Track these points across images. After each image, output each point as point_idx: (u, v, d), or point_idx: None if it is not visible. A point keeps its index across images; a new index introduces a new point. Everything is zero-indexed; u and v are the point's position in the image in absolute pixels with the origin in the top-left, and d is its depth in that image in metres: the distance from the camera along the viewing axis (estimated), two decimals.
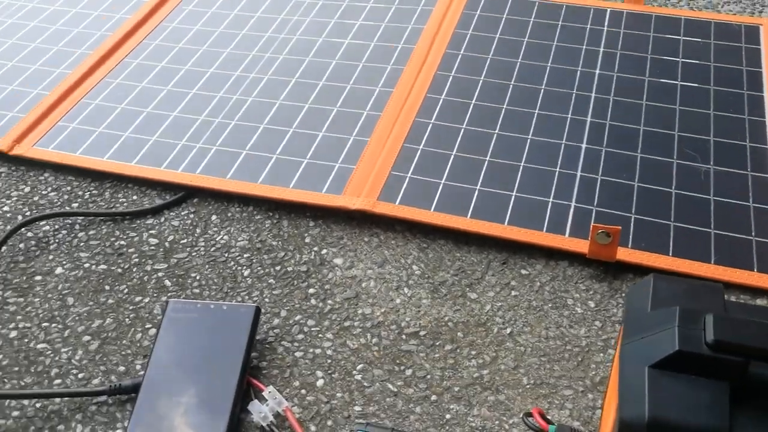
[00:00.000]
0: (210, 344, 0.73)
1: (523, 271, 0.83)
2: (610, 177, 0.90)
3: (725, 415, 0.46)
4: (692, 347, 0.48)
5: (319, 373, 0.74)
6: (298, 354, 0.75)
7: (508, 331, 0.77)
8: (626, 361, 0.50)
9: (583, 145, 0.95)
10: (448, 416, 0.70)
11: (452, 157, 0.94)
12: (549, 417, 0.67)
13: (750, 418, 0.47)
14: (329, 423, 0.70)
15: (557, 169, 0.92)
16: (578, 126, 0.98)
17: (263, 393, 0.70)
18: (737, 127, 0.97)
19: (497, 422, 0.69)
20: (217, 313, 0.75)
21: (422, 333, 0.77)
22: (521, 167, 0.92)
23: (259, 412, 0.68)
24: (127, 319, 0.79)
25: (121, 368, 0.75)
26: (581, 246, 0.82)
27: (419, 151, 0.95)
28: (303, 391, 0.72)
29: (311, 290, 0.82)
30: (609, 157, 0.93)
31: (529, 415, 0.64)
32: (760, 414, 0.47)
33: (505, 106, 1.01)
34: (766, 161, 0.92)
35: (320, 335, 0.77)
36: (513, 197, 0.88)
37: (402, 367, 0.74)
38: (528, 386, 0.72)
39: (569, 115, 0.99)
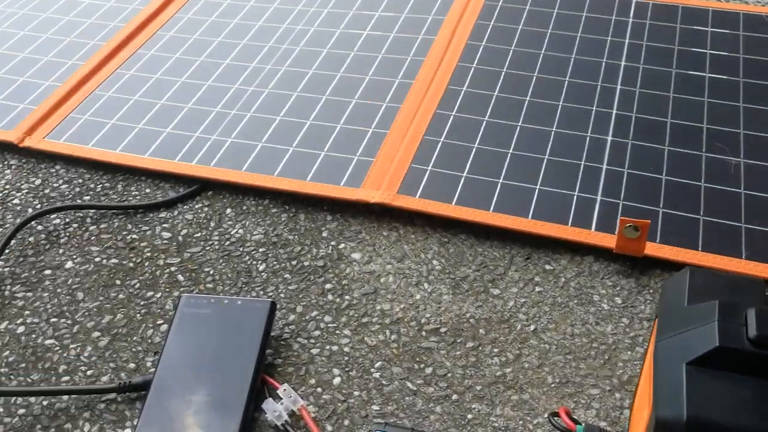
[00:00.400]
0: (223, 341, 0.71)
1: (548, 267, 0.80)
2: (637, 170, 0.87)
3: None
4: (733, 343, 0.45)
5: (336, 371, 0.71)
6: (314, 351, 0.73)
7: (532, 328, 0.74)
8: (662, 357, 0.47)
9: (609, 138, 0.92)
10: (470, 416, 0.67)
11: (474, 149, 0.91)
12: (575, 417, 0.64)
13: None
14: (346, 422, 0.67)
15: (582, 162, 0.89)
16: (604, 118, 0.95)
17: (278, 391, 0.67)
18: None
19: (521, 422, 0.66)
20: (231, 309, 0.73)
21: (443, 330, 0.74)
22: (545, 160, 0.89)
23: (274, 410, 0.66)
24: (138, 315, 0.77)
25: (131, 365, 0.72)
26: (608, 241, 0.79)
27: (440, 144, 0.92)
28: (319, 390, 0.70)
29: (328, 285, 0.79)
30: (635, 149, 0.90)
31: (556, 414, 0.61)
32: None
33: (528, 98, 0.98)
34: None
35: (337, 332, 0.75)
36: (537, 191, 0.85)
37: (422, 365, 0.71)
38: (553, 385, 0.69)
39: (594, 108, 0.96)
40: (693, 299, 0.50)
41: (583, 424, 0.59)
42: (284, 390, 0.67)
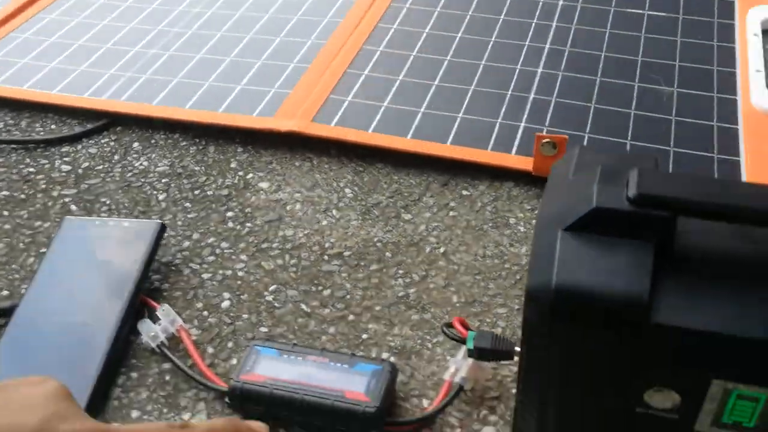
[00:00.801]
0: (103, 262, 0.65)
1: (465, 192, 0.74)
2: (566, 99, 0.83)
3: (645, 278, 0.38)
4: (611, 203, 0.40)
5: (227, 295, 0.66)
6: (205, 276, 0.67)
7: (442, 250, 0.68)
8: (540, 227, 0.42)
9: (539, 70, 0.87)
10: (365, 336, 0.61)
11: (398, 81, 0.86)
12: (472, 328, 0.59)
13: (675, 283, 0.38)
14: (230, 345, 0.61)
15: (509, 92, 0.84)
16: (535, 52, 0.90)
17: (156, 312, 0.62)
18: (705, 53, 0.89)
19: (419, 341, 0.61)
20: (116, 230, 0.68)
21: (347, 254, 0.69)
22: (471, 90, 0.84)
23: (150, 331, 0.60)
24: (21, 244, 0.72)
25: (5, 293, 0.67)
26: (527, 163, 0.74)
27: (363, 77, 0.87)
28: (205, 313, 0.64)
29: (230, 213, 0.74)
30: (566, 81, 0.85)
31: (449, 325, 0.56)
32: (687, 279, 0.39)
33: (460, 35, 0.94)
34: (733, 84, 0.84)
35: (233, 257, 0.69)
36: (459, 119, 0.80)
37: (320, 288, 0.66)
38: (458, 304, 0.63)
39: (527, 43, 0.92)
40: (578, 172, 0.44)
41: (474, 331, 0.54)
42: (163, 310, 0.62)
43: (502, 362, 0.58)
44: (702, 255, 0.40)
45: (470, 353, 0.53)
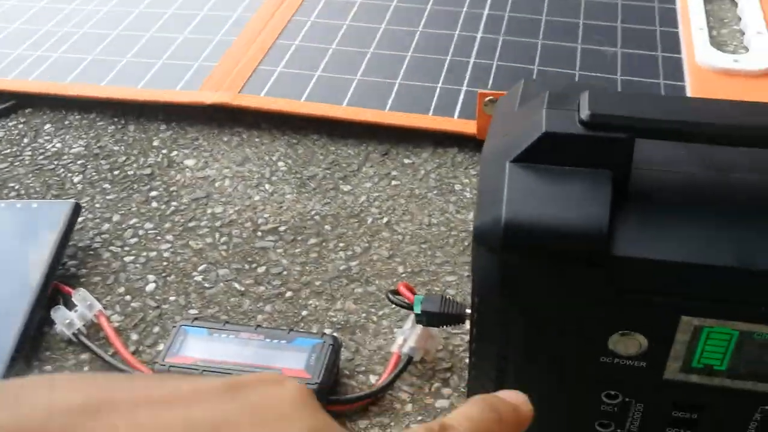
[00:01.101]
0: (8, 248, 0.59)
1: (407, 161, 0.70)
2: (507, 62, 0.79)
3: (603, 209, 0.34)
4: (562, 128, 0.36)
5: (151, 277, 0.60)
6: (127, 259, 0.61)
7: (385, 220, 0.64)
8: (486, 162, 0.38)
9: (479, 35, 0.83)
10: (304, 312, 0.56)
11: (331, 50, 0.82)
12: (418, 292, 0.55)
13: (636, 212, 0.35)
14: (156, 330, 0.56)
15: (448, 57, 0.80)
16: (474, 18, 0.86)
17: (72, 298, 0.56)
18: (647, 13, 0.87)
19: (364, 314, 0.56)
20: (25, 213, 0.61)
21: (282, 228, 0.64)
22: (408, 56, 0.80)
23: (65, 319, 0.54)
24: None
25: None
26: (470, 127, 0.70)
27: (294, 47, 0.82)
28: (128, 298, 0.58)
29: (153, 193, 0.68)
30: (507, 45, 0.82)
31: (395, 292, 0.51)
32: (647, 207, 0.35)
33: (395, 3, 0.90)
34: (677, 43, 0.82)
35: (158, 238, 0.63)
36: (397, 84, 0.76)
37: (254, 265, 0.61)
38: (404, 275, 0.59)
39: (464, 9, 0.88)
40: (524, 102, 0.40)
41: (422, 294, 0.49)
42: (79, 295, 0.55)
43: (454, 332, 0.54)
44: (662, 182, 0.36)
45: (418, 319, 0.49)
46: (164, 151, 0.73)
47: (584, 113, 0.35)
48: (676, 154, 0.38)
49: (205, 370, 0.49)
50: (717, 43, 0.85)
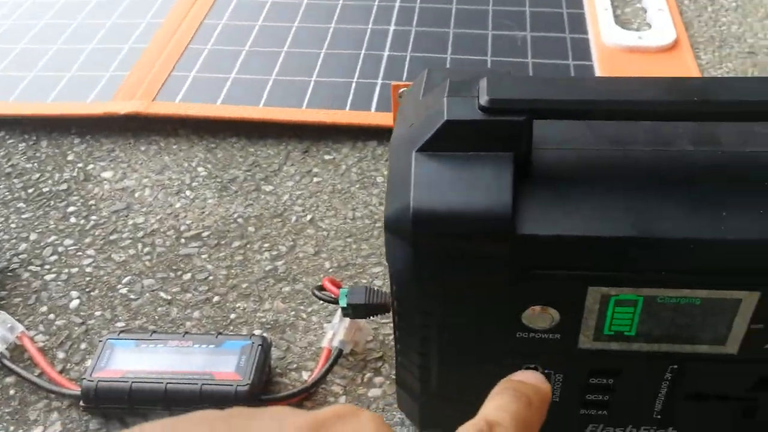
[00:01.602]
0: None
1: (327, 157, 0.71)
2: (421, 53, 0.80)
3: (506, 191, 0.35)
4: (463, 115, 0.37)
5: (75, 294, 0.59)
6: (48, 277, 0.60)
7: (309, 218, 0.64)
8: (392, 154, 0.39)
9: (391, 27, 0.84)
10: (233, 316, 0.56)
11: (244, 52, 0.81)
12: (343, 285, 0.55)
13: (538, 191, 0.36)
14: (83, 346, 0.55)
15: (362, 51, 0.81)
16: (386, 10, 0.87)
17: None
18: None
19: (293, 313, 0.56)
20: None
21: (205, 234, 0.63)
22: (322, 54, 0.81)
23: None
24: None
25: None
26: (388, 119, 0.71)
27: (207, 50, 0.82)
28: (51, 316, 0.57)
29: (71, 209, 0.67)
30: (419, 35, 0.83)
31: (320, 288, 0.52)
32: (550, 186, 0.36)
33: (306, 1, 0.90)
34: (584, 23, 0.85)
35: (79, 253, 0.62)
36: (312, 82, 0.76)
37: (179, 273, 0.60)
38: (331, 270, 0.59)
39: (376, 2, 0.89)
40: (428, 92, 0.41)
41: (346, 287, 0.50)
42: None
43: (383, 321, 0.54)
44: (563, 160, 0.38)
45: (345, 312, 0.49)
46: (80, 165, 0.71)
47: (483, 99, 0.36)
48: (577, 132, 0.40)
49: (134, 383, 0.48)
50: (621, 21, 0.88)
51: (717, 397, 0.41)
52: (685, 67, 0.78)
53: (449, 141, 0.37)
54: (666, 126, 0.39)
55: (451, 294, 0.37)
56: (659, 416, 0.43)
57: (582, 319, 0.37)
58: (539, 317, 0.37)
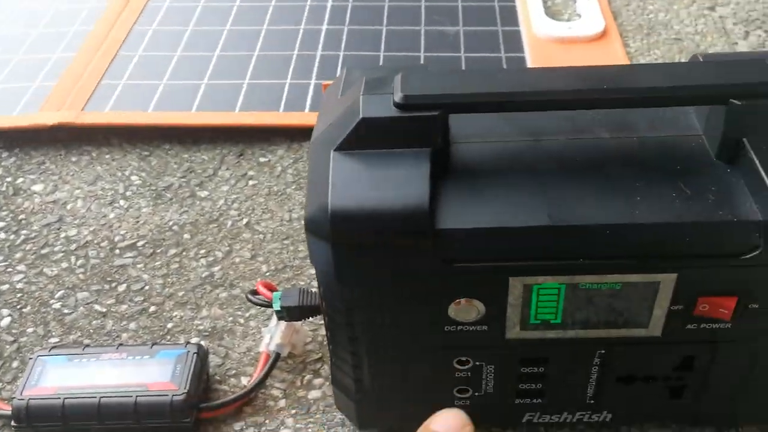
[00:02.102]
0: None
1: (262, 159, 0.70)
2: (354, 52, 0.80)
3: (423, 187, 0.35)
4: (378, 112, 0.37)
5: (5, 311, 0.57)
6: None
7: (245, 221, 0.64)
8: (312, 154, 0.38)
9: (324, 27, 0.84)
10: (170, 325, 0.56)
11: (175, 57, 0.80)
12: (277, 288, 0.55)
13: (455, 186, 0.36)
14: (15, 364, 0.54)
15: (295, 52, 0.80)
16: (318, 10, 0.87)
17: None
18: None
19: (230, 319, 0.56)
20: None
21: (140, 243, 0.62)
22: (255, 56, 0.80)
23: None
24: None
25: None
26: None
27: (137, 57, 0.80)
28: None
29: (0, 224, 0.65)
30: (352, 34, 0.83)
31: (254, 292, 0.51)
32: (466, 180, 0.37)
33: (238, 3, 0.89)
34: (515, 16, 0.86)
35: (9, 269, 0.61)
36: (245, 85, 0.76)
37: (114, 284, 0.59)
38: (268, 273, 0.59)
39: (308, 2, 0.88)
40: (346, 90, 0.41)
41: (280, 290, 0.50)
42: None
43: (321, 322, 0.54)
44: (480, 154, 0.38)
45: (279, 315, 0.49)
46: (8, 179, 0.69)
47: (397, 96, 0.37)
48: (496, 125, 0.40)
49: (67, 399, 0.47)
50: (552, 12, 0.89)
51: (645, 378, 0.42)
52: (615, 55, 0.80)
53: (366, 139, 0.37)
54: (582, 115, 0.40)
55: (375, 292, 0.37)
56: (592, 401, 0.44)
57: (507, 310, 0.38)
58: (465, 310, 0.38)
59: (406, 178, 0.35)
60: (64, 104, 0.73)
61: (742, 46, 0.82)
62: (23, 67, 0.80)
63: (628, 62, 0.79)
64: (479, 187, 0.36)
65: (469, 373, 0.41)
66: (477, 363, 0.41)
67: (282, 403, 0.50)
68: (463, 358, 0.41)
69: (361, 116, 0.37)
